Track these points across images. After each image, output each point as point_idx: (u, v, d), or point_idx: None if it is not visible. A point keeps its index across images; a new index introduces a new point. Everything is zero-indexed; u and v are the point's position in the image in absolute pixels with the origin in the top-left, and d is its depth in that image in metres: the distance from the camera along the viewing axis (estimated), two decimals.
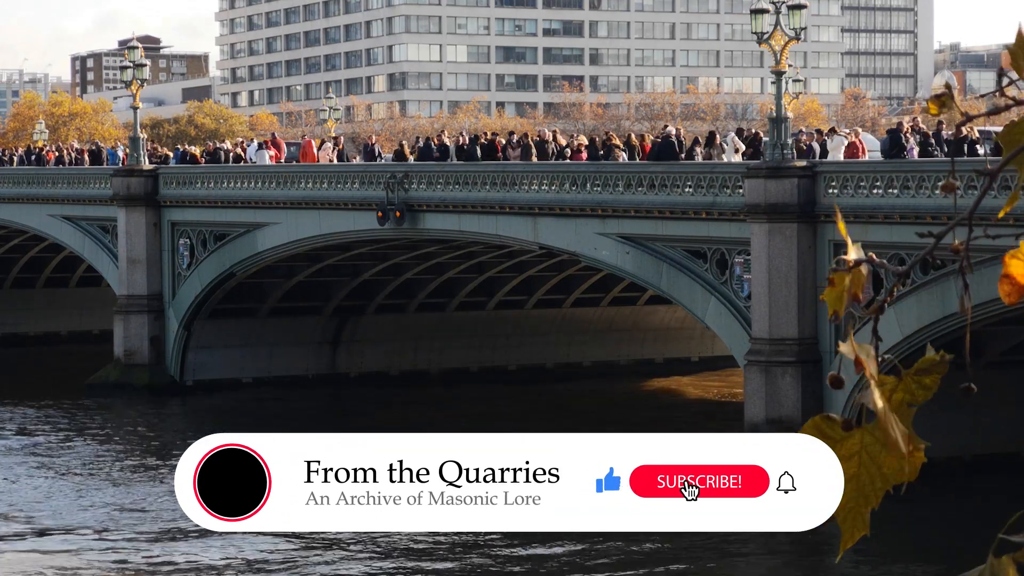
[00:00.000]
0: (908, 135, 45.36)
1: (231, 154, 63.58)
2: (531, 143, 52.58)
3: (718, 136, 52.92)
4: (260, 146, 63.50)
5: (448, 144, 56.40)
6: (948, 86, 3.56)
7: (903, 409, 3.57)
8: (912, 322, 37.29)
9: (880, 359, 3.53)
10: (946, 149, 43.87)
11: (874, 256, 3.64)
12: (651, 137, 54.78)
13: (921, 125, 49.11)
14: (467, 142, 55.38)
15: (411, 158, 56.91)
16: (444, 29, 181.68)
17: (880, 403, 3.52)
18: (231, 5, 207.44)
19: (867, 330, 3.67)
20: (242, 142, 69.40)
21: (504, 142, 53.59)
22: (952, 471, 39.71)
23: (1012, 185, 3.54)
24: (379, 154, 60.23)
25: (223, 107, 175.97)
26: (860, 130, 54.02)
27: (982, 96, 3.93)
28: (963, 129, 37.10)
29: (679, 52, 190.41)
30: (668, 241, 44.50)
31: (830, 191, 40.64)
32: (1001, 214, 3.81)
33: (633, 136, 56.13)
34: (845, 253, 3.57)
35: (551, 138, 53.67)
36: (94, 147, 74.36)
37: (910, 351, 36.43)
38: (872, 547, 36.08)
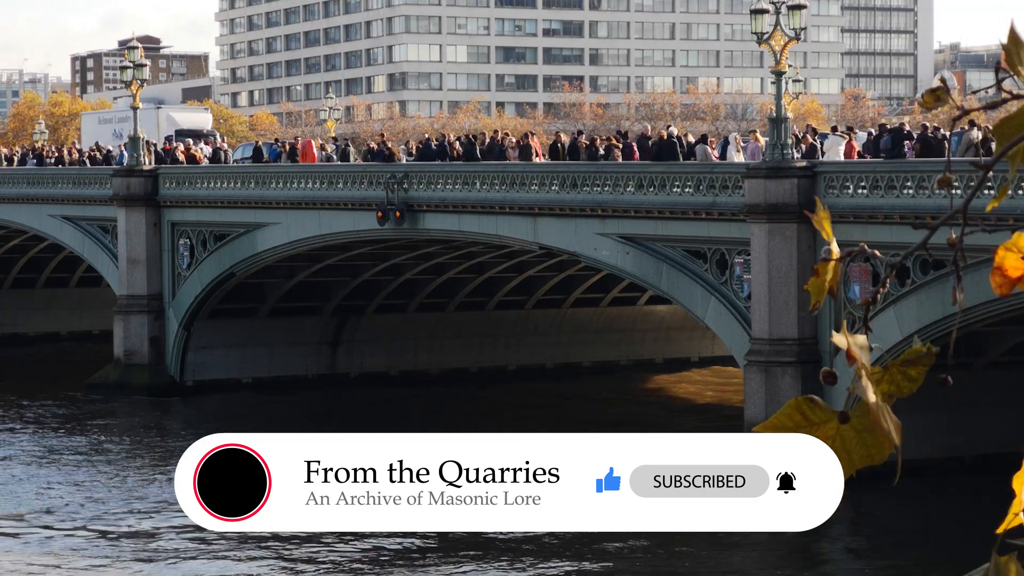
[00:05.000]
0: (943, 137, 45.03)
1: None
2: (530, 143, 52.59)
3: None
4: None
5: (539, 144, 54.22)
6: (943, 79, 3.55)
7: (885, 400, 3.58)
8: (912, 322, 37.30)
9: (869, 348, 3.53)
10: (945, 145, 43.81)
11: (865, 245, 3.62)
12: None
13: (932, 126, 49.00)
14: (566, 140, 54.30)
15: (404, 159, 56.81)
16: (444, 29, 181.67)
17: (872, 396, 3.51)
18: (231, 5, 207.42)
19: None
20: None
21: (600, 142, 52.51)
22: (952, 471, 39.73)
23: (1007, 180, 3.53)
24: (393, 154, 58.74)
25: (223, 107, 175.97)
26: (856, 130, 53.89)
27: (975, 92, 3.94)
28: (958, 124, 36.99)
29: (679, 52, 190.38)
30: (668, 241, 44.50)
31: (830, 191, 40.64)
32: (990, 207, 3.79)
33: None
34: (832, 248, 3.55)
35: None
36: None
37: None
38: (871, 547, 36.08)
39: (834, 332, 3.55)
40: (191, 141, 75.00)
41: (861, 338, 3.49)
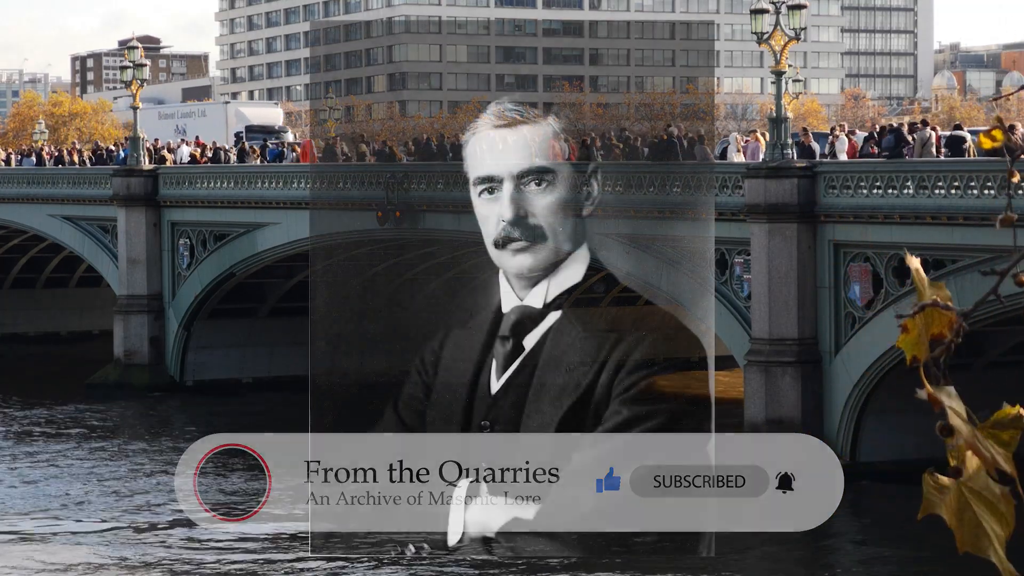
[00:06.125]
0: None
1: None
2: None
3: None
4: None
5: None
6: (1000, 119, 3.51)
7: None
8: None
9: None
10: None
11: (937, 299, 3.57)
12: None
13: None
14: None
15: (403, 159, 56.79)
16: (444, 29, 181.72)
17: (965, 428, 3.40)
18: (231, 5, 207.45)
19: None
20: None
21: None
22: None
23: None
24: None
25: None
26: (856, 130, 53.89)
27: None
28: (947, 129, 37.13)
29: (679, 52, 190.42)
30: (668, 241, 44.46)
31: (830, 191, 40.64)
32: None
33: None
34: (917, 299, 3.49)
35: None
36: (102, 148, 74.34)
37: None
38: (872, 547, 36.07)
39: (917, 389, 3.49)
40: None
41: (949, 388, 3.43)
